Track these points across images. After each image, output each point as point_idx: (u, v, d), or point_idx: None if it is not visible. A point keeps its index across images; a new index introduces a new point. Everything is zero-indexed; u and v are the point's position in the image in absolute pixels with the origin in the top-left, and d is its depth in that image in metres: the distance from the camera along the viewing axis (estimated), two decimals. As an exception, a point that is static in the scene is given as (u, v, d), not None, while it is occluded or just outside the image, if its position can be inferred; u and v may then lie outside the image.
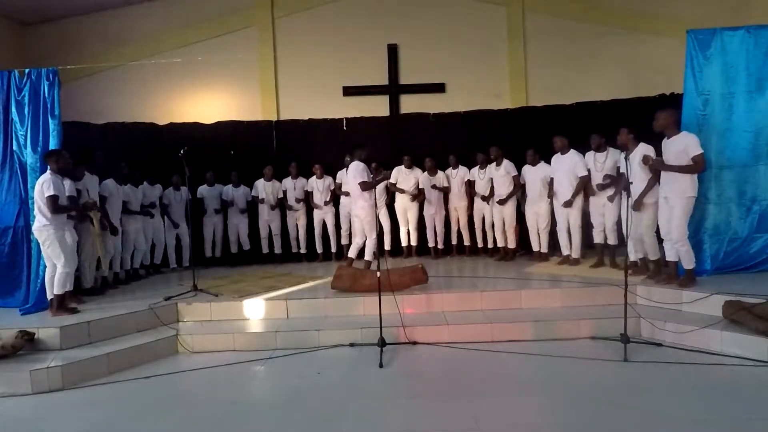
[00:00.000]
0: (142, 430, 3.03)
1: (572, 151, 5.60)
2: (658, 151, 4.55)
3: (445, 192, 6.82)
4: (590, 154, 5.51)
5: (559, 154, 5.69)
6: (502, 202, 6.22)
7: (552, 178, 5.80)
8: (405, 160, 6.75)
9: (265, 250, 7.16)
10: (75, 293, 4.75)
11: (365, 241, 5.37)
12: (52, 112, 4.78)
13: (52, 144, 4.74)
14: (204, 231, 6.97)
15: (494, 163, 6.32)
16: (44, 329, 4.01)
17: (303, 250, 7.20)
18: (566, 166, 5.58)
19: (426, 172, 6.76)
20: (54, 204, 4.34)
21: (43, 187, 4.34)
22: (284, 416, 3.11)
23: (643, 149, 4.63)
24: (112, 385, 3.70)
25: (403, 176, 6.73)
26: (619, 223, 5.25)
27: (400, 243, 7.01)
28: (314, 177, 7.02)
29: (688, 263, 4.38)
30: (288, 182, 7.08)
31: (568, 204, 5.59)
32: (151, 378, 3.76)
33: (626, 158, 4.15)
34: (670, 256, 4.52)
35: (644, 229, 4.72)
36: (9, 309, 4.70)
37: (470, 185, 6.71)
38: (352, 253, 5.53)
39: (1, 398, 3.49)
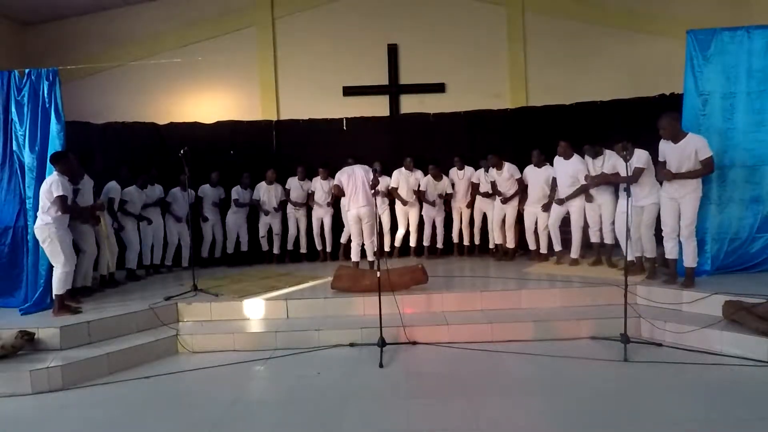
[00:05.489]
0: (142, 430, 3.03)
1: (576, 157, 5.56)
2: (656, 152, 4.54)
3: (448, 199, 6.80)
4: (588, 159, 5.52)
5: (561, 158, 5.69)
6: (505, 200, 6.21)
7: (554, 178, 5.79)
8: (406, 162, 6.73)
9: (265, 248, 7.16)
10: (73, 294, 4.74)
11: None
12: (57, 115, 4.76)
13: (54, 145, 4.73)
14: (203, 231, 6.96)
15: (496, 168, 6.32)
16: (44, 329, 4.01)
17: (303, 250, 7.20)
18: (570, 172, 5.57)
19: (429, 176, 6.72)
20: (63, 204, 4.36)
21: (51, 187, 4.36)
22: (284, 416, 3.11)
23: (639, 154, 4.62)
24: (112, 385, 3.70)
25: (404, 178, 6.72)
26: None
27: (401, 243, 7.00)
28: (318, 177, 7.03)
29: (692, 261, 4.37)
30: (293, 182, 7.08)
31: (560, 202, 5.61)
32: (151, 378, 3.76)
33: (626, 162, 4.16)
34: (670, 254, 4.51)
35: (643, 228, 4.72)
36: (9, 309, 4.69)
37: (474, 185, 6.69)
38: (355, 256, 5.68)
39: (1, 398, 3.49)
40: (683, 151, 4.28)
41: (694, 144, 4.24)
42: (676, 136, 4.32)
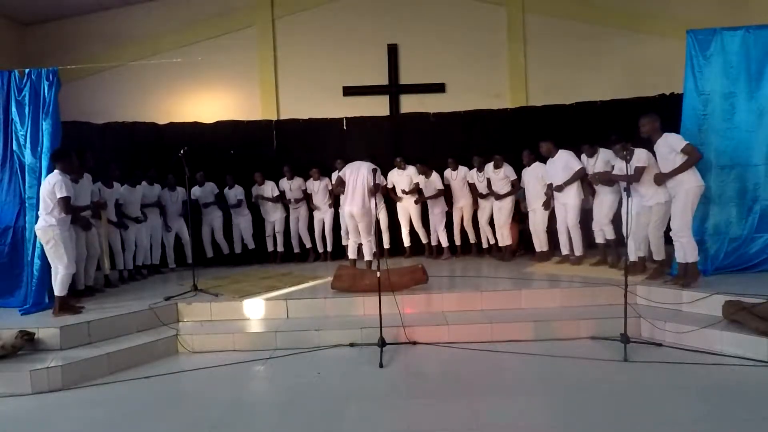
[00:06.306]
0: (142, 430, 3.03)
1: (561, 151, 5.61)
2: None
3: (439, 196, 6.71)
4: (583, 157, 5.54)
5: (549, 159, 5.70)
6: (498, 197, 6.23)
7: (551, 183, 5.79)
8: (396, 161, 6.75)
9: (270, 248, 7.19)
10: (73, 295, 4.73)
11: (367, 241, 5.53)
12: (46, 112, 4.75)
13: (49, 144, 4.72)
14: (202, 232, 6.97)
15: (492, 165, 6.31)
16: (44, 329, 4.01)
17: (308, 245, 7.21)
18: (560, 166, 5.60)
19: (422, 175, 6.70)
20: (67, 205, 4.34)
21: (54, 188, 4.31)
22: (284, 416, 3.11)
23: (639, 154, 4.61)
24: (112, 385, 3.70)
25: (396, 177, 6.72)
26: (616, 220, 5.26)
27: (402, 243, 6.99)
28: (311, 179, 7.02)
29: (691, 256, 4.32)
30: (284, 183, 7.09)
31: (559, 188, 5.60)
32: (151, 378, 3.76)
33: (627, 162, 4.16)
34: (679, 258, 4.43)
35: (652, 229, 4.69)
36: (9, 309, 4.69)
37: (473, 187, 6.66)
38: (351, 254, 5.66)
39: (1, 398, 3.49)
40: (661, 150, 4.37)
41: (667, 142, 4.30)
42: (655, 135, 4.39)
